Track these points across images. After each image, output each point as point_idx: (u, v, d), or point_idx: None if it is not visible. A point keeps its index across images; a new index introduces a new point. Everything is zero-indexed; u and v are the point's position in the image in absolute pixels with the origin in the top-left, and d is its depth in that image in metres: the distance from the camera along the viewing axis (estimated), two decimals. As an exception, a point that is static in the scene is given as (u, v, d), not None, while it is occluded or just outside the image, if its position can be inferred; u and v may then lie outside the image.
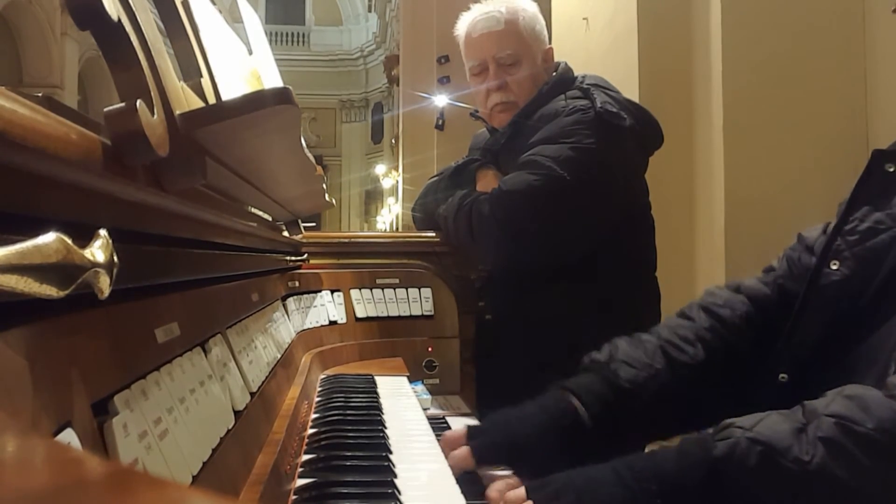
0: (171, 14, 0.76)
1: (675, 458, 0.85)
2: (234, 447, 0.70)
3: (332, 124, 25.74)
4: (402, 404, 1.30)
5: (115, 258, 0.38)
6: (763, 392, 1.06)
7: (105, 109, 0.46)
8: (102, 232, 0.38)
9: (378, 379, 1.45)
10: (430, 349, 1.77)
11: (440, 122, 8.25)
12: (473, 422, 1.44)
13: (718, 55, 2.42)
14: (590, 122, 1.62)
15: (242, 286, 1.01)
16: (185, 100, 0.65)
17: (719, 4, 2.42)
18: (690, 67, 2.62)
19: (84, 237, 0.36)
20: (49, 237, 0.31)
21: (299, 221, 1.61)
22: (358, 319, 1.75)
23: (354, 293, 1.77)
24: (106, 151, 0.45)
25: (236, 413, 0.74)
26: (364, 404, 1.24)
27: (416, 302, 1.80)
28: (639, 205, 1.78)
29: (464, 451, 1.00)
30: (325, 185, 1.44)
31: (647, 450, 1.18)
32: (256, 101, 0.63)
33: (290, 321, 1.42)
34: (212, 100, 0.78)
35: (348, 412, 1.18)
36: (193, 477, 0.55)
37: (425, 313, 1.80)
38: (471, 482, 0.98)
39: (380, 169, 21.25)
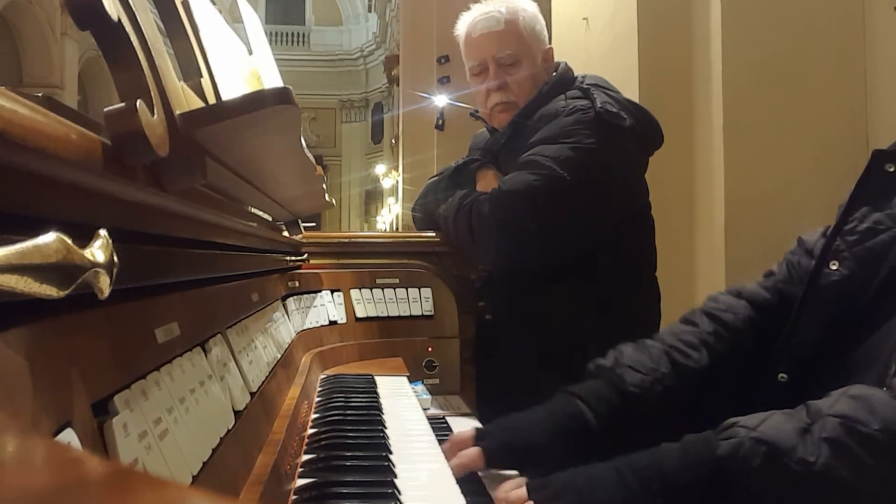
0: (171, 14, 0.76)
1: (679, 457, 0.85)
2: (234, 447, 0.70)
3: (332, 124, 25.74)
4: (402, 404, 1.30)
5: (115, 258, 0.37)
6: (763, 392, 1.06)
7: (105, 109, 0.46)
8: (102, 232, 0.38)
9: (378, 379, 1.45)
10: (430, 349, 1.77)
11: (440, 122, 8.25)
12: (474, 422, 1.44)
13: (718, 55, 2.42)
14: (590, 122, 1.62)
15: (242, 286, 1.01)
16: (185, 100, 0.65)
17: (719, 4, 2.42)
18: (690, 67, 2.62)
19: (84, 237, 0.36)
20: (49, 237, 0.31)
21: (299, 221, 1.61)
22: (358, 319, 1.75)
23: (354, 293, 1.77)
24: (106, 151, 0.45)
25: (236, 413, 0.74)
26: (364, 404, 1.24)
27: (416, 302, 1.80)
28: (639, 205, 1.78)
29: (474, 451, 1.00)
30: (325, 185, 1.44)
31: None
32: (256, 101, 0.63)
33: (290, 321, 1.42)
34: (212, 100, 0.78)
35: (348, 412, 1.18)
36: (193, 477, 0.55)
37: (425, 313, 1.80)
38: (471, 482, 0.98)
39: (380, 169, 21.25)
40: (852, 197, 1.07)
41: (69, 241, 0.32)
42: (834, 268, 1.04)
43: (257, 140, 0.77)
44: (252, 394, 0.84)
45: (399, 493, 0.83)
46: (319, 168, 1.27)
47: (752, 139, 2.38)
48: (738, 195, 2.37)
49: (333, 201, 1.75)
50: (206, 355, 0.70)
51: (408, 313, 1.79)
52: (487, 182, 1.77)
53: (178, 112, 0.58)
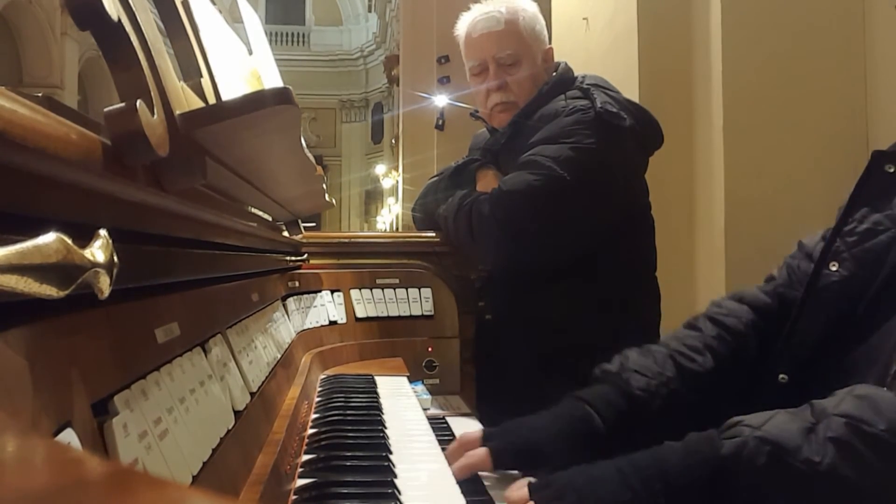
0: (171, 14, 0.76)
1: (681, 456, 0.85)
2: (234, 447, 0.70)
3: (332, 124, 25.74)
4: (402, 404, 1.30)
5: (115, 258, 0.37)
6: (763, 393, 1.06)
7: (105, 109, 0.46)
8: (102, 232, 0.38)
9: (378, 379, 1.45)
10: (430, 349, 1.77)
11: (440, 122, 8.25)
12: (474, 422, 1.44)
13: (718, 55, 2.42)
14: (590, 122, 1.62)
15: (242, 286, 1.01)
16: (185, 100, 0.65)
17: (719, 4, 2.42)
18: (690, 67, 2.62)
19: (84, 237, 0.36)
20: (49, 237, 0.31)
21: (299, 221, 1.61)
22: (358, 319, 1.75)
23: (354, 293, 1.77)
24: (106, 151, 0.45)
25: (236, 413, 0.74)
26: (364, 404, 1.24)
27: (416, 302, 1.80)
28: (639, 205, 1.78)
29: (482, 451, 1.00)
30: (325, 185, 1.44)
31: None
32: (256, 101, 0.63)
33: (290, 321, 1.42)
34: (212, 100, 0.78)
35: (348, 412, 1.18)
36: (193, 477, 0.55)
37: (425, 313, 1.80)
38: (470, 482, 0.98)
39: (380, 169, 21.25)
40: (852, 198, 1.07)
41: (69, 241, 0.32)
42: (833, 269, 1.05)
43: (257, 140, 0.77)
44: (252, 394, 0.84)
45: (399, 493, 0.83)
46: (319, 168, 1.27)
47: (752, 139, 2.38)
48: (738, 195, 2.37)
49: (333, 201, 1.75)
50: (206, 355, 0.70)
51: (408, 313, 1.79)
52: (487, 182, 1.77)
53: (178, 112, 0.58)
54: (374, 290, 1.79)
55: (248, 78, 1.13)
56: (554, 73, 1.80)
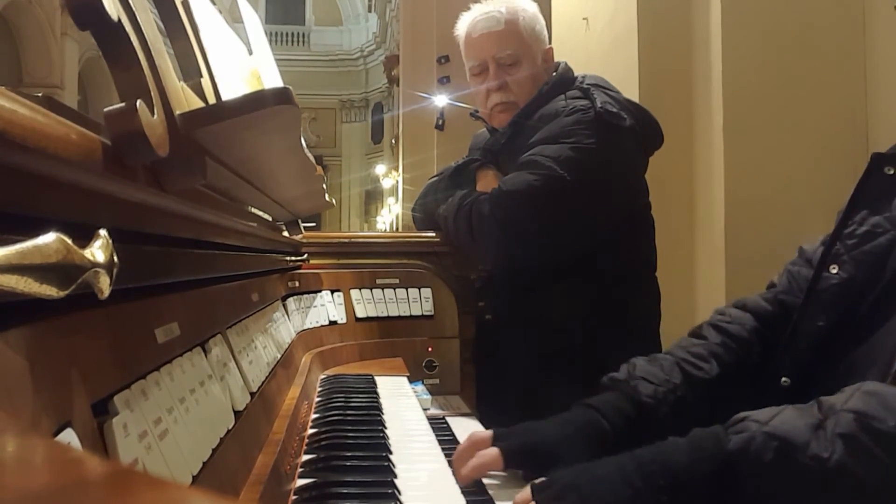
0: (171, 14, 0.76)
1: (686, 452, 0.84)
2: (234, 447, 0.70)
3: (332, 124, 25.74)
4: (402, 404, 1.30)
5: (115, 258, 0.37)
6: (765, 396, 1.06)
7: (105, 109, 0.46)
8: (102, 232, 0.38)
9: (378, 379, 1.45)
10: (430, 349, 1.77)
11: (440, 122, 8.25)
12: (474, 421, 1.44)
13: (718, 55, 2.42)
14: (590, 122, 1.62)
15: (242, 286, 1.01)
16: (185, 100, 0.65)
17: (719, 4, 2.42)
18: (690, 67, 2.62)
19: (84, 237, 0.36)
20: (49, 237, 0.31)
21: (299, 221, 1.61)
22: (358, 319, 1.75)
23: (354, 293, 1.77)
24: (106, 151, 0.45)
25: (236, 413, 0.74)
26: (364, 404, 1.24)
27: (416, 302, 1.80)
28: (639, 205, 1.78)
29: (494, 451, 1.00)
30: (325, 185, 1.44)
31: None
32: (256, 101, 0.63)
33: (290, 321, 1.42)
34: (212, 100, 0.79)
35: (348, 412, 1.18)
36: (193, 477, 0.55)
37: (425, 313, 1.80)
38: (471, 482, 0.98)
39: (380, 169, 21.25)
40: (851, 200, 1.07)
41: (69, 241, 0.32)
42: (833, 271, 1.05)
43: (257, 140, 0.77)
44: (252, 394, 0.84)
45: (399, 493, 0.83)
46: (319, 168, 1.27)
47: (752, 139, 2.38)
48: (738, 195, 2.37)
49: (333, 201, 1.75)
50: (206, 355, 0.70)
51: (408, 313, 1.80)
52: (487, 182, 1.76)
53: (178, 112, 0.58)
54: (374, 290, 1.79)
55: (248, 78, 1.13)
56: (554, 73, 1.80)
